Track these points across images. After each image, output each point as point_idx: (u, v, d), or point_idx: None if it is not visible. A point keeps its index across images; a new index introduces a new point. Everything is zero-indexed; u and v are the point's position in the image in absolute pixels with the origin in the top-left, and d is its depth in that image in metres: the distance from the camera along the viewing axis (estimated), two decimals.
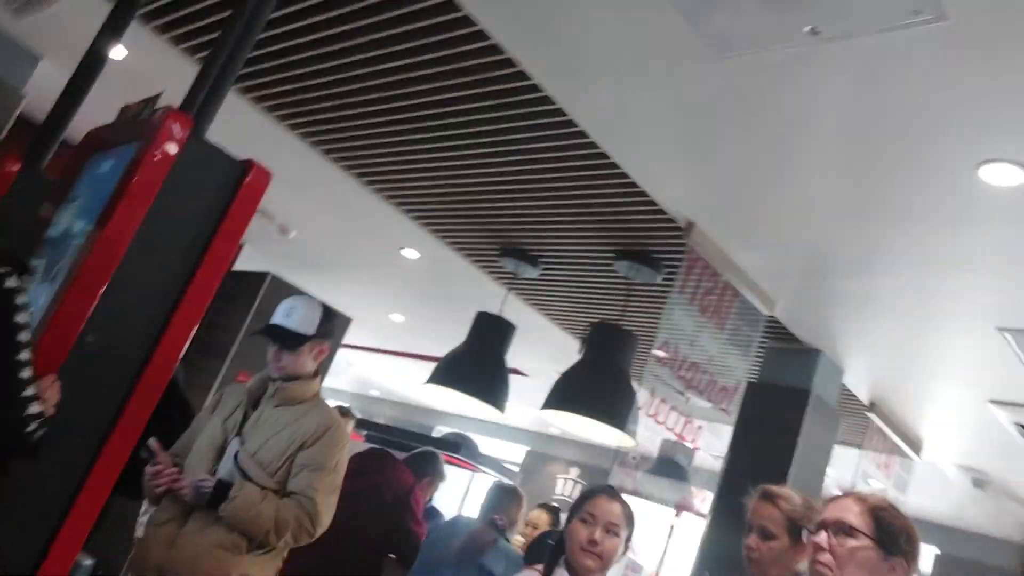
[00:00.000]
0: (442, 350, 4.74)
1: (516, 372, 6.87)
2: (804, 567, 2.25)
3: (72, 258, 1.75)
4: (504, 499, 3.82)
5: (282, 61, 3.36)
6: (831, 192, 2.98)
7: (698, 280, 3.55)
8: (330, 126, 3.80)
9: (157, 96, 1.95)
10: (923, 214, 2.91)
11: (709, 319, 3.65)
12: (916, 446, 5.33)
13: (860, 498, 1.78)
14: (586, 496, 2.27)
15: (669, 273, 3.98)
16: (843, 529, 1.71)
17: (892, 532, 1.69)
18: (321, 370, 2.86)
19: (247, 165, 1.98)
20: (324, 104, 3.60)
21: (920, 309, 3.61)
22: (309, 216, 5.29)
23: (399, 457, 4.12)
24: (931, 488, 5.46)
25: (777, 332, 4.28)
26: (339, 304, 6.39)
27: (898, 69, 2.26)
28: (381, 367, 9.95)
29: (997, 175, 2.52)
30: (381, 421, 10.31)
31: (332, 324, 2.78)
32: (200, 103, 2.05)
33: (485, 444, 9.58)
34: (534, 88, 2.92)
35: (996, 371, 3.93)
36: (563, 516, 2.58)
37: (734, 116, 2.72)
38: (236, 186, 1.95)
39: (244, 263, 6.05)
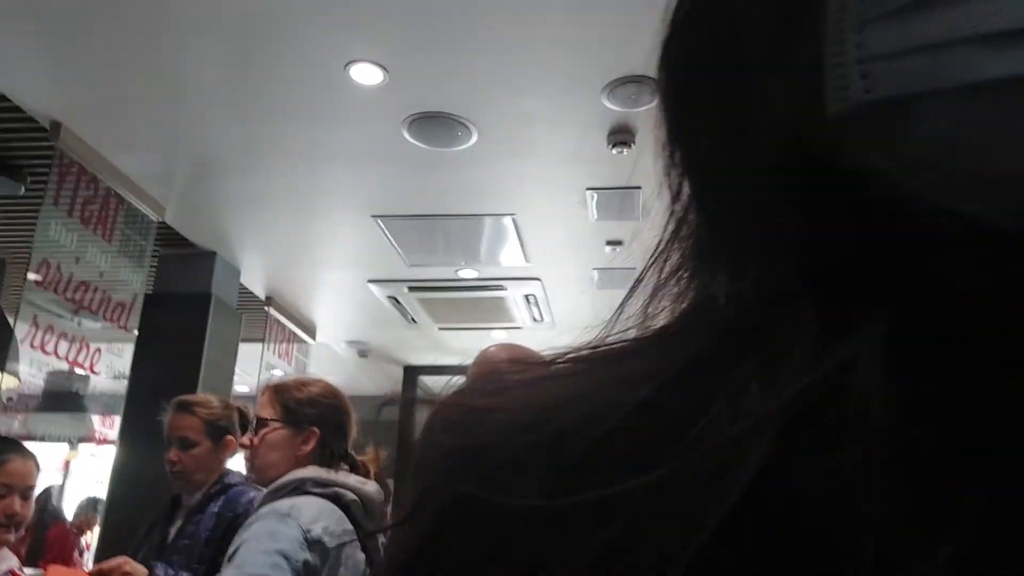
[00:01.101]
0: None
1: None
2: (230, 464, 2.31)
3: None
4: None
5: None
6: (215, 91, 2.91)
7: (74, 189, 3.16)
8: None
9: None
10: (301, 112, 3.06)
11: (93, 231, 3.31)
12: (311, 331, 5.81)
13: (271, 388, 1.91)
14: None
15: (36, 183, 3.45)
16: (259, 422, 1.83)
17: (296, 408, 1.85)
18: None
19: None
20: None
21: (305, 203, 3.86)
22: None
23: None
24: (328, 366, 6.05)
25: (171, 238, 4.12)
26: None
27: None
28: None
29: (362, 75, 2.78)
30: None
31: None
32: None
33: None
34: None
35: (372, 254, 4.48)
36: None
37: (103, 8, 2.41)
38: None
39: None
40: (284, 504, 1.64)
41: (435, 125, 3.11)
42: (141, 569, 1.89)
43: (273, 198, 3.80)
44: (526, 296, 5.11)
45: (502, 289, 4.99)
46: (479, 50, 2.63)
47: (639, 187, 3.63)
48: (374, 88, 2.84)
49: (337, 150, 3.34)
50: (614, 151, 3.16)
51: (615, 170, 3.45)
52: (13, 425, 5.60)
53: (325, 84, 2.85)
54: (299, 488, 1.70)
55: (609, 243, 4.22)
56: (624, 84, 2.80)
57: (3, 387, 3.35)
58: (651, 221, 0.29)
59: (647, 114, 3.01)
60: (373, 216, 3.95)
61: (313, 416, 1.85)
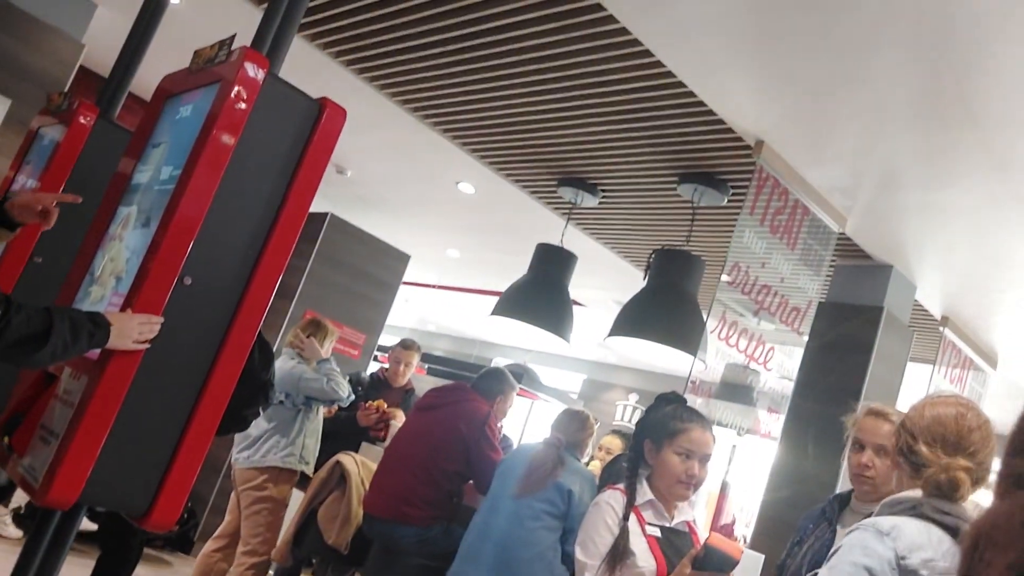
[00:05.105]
0: (498, 284, 4.76)
1: (573, 302, 6.87)
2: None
3: (164, 203, 1.78)
4: (568, 422, 3.78)
5: None
6: (906, 99, 2.86)
7: (768, 199, 3.47)
8: (384, 60, 3.76)
9: (231, 39, 1.94)
10: (1002, 117, 2.78)
11: (780, 239, 3.58)
12: (991, 359, 5.23)
13: None
14: (680, 428, 2.24)
15: (735, 194, 3.90)
16: None
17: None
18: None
19: (322, 104, 1.97)
20: (377, 38, 3.56)
21: (994, 216, 3.49)
22: (365, 154, 5.29)
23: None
24: (1008, 402, 5.37)
25: (848, 249, 4.19)
26: (397, 241, 6.44)
27: None
28: (437, 302, 10.06)
29: None
30: (440, 354, 10.49)
31: None
32: (270, 43, 2.04)
33: (543, 375, 9.69)
34: (597, 7, 2.84)
35: None
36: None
37: (805, 23, 2.61)
38: (313, 125, 1.94)
39: None
40: (886, 522, 1.57)
41: None
42: None
43: (957, 211, 3.55)
44: None
45: None
46: None
47: None
48: None
49: None
50: None
51: None
52: (696, 405, 6.42)
53: None
54: (915, 508, 1.60)
55: None
56: None
57: (694, 371, 3.88)
58: None
59: None
60: None
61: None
